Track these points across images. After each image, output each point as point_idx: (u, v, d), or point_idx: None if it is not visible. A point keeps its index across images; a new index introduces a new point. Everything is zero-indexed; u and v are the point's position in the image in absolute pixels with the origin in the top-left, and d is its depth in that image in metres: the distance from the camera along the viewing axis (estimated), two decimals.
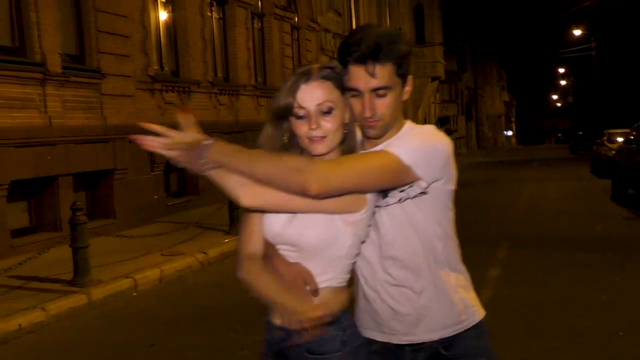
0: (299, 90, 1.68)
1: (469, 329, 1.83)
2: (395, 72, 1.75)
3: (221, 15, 14.28)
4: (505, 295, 5.76)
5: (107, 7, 9.65)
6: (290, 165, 1.61)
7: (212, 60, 13.55)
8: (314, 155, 1.71)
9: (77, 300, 5.84)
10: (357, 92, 1.73)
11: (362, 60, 1.70)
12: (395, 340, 1.84)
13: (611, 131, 20.57)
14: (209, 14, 13.52)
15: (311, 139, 1.70)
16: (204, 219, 9.53)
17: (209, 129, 10.88)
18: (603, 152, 18.77)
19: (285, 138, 1.75)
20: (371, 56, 1.70)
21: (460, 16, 40.90)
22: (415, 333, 1.82)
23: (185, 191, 12.60)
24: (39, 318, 5.38)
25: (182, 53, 12.42)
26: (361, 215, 1.71)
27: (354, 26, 22.34)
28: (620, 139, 17.27)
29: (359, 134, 1.85)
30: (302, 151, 1.77)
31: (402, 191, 1.76)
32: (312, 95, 1.68)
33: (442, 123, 34.56)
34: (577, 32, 45.34)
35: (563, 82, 75.36)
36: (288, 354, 1.76)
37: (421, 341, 1.83)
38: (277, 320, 1.77)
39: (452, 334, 1.82)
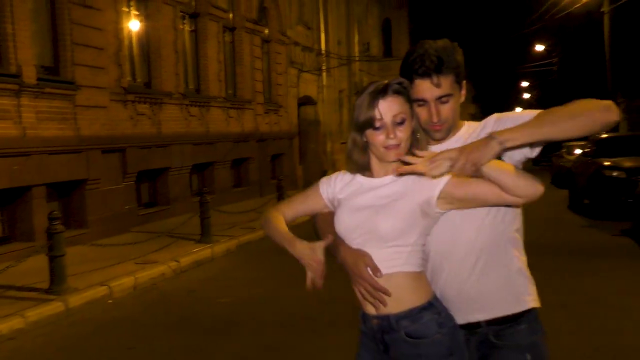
0: (378, 104, 1.91)
1: (522, 322, 2.01)
2: (454, 80, 1.98)
3: (193, 28, 14.53)
4: None
5: (82, 19, 9.83)
6: (594, 106, 1.82)
7: (183, 72, 13.77)
8: (388, 161, 1.94)
9: (54, 307, 6.01)
10: (423, 102, 1.96)
11: (427, 74, 1.93)
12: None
13: (569, 143, 21.35)
14: (181, 26, 13.76)
15: (387, 147, 1.91)
16: (176, 228, 9.72)
17: (180, 139, 11.25)
18: (562, 163, 19.49)
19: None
20: (435, 70, 1.93)
21: (427, 30, 41.77)
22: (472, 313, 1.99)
23: (156, 201, 12.75)
24: (18, 325, 5.54)
25: (155, 65, 12.61)
26: (441, 211, 1.93)
27: (322, 40, 22.76)
28: (578, 151, 18.00)
29: None
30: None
31: None
32: (389, 108, 1.90)
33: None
34: (540, 48, 46.64)
35: (527, 95, 77.19)
36: (388, 341, 1.93)
37: (476, 320, 1.99)
38: (372, 311, 1.95)
39: (505, 314, 1.99)
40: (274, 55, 18.98)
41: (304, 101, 21.88)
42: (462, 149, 1.77)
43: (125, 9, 11.73)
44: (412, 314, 1.90)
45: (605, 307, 5.83)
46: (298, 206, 2.15)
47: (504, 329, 2.02)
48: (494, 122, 2.02)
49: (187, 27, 14.27)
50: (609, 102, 1.84)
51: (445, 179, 1.85)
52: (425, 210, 1.89)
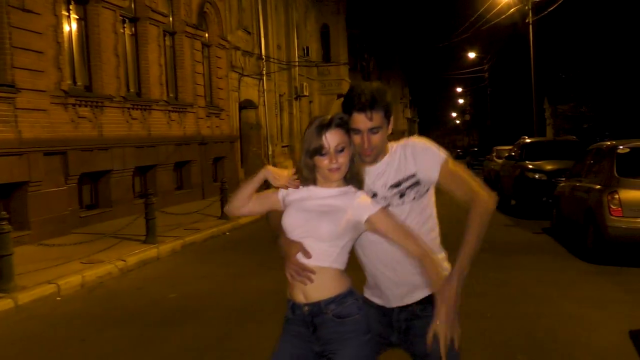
0: (324, 136, 2.37)
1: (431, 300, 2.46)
2: (384, 115, 2.44)
3: (133, 32, 14.61)
4: None
5: (21, 23, 9.85)
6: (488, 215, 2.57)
7: (124, 75, 13.85)
8: (330, 181, 2.43)
9: (4, 304, 6.16)
10: (358, 131, 2.42)
11: (363, 109, 2.39)
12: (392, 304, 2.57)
13: (499, 148, 22.50)
14: (121, 30, 13.83)
15: (331, 170, 2.38)
16: (120, 229, 9.87)
17: (121, 143, 11.44)
18: (491, 166, 20.53)
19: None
20: (369, 106, 2.39)
21: (365, 35, 42.73)
22: (404, 299, 2.53)
23: (98, 203, 12.79)
24: None
25: (96, 69, 12.66)
26: (368, 230, 2.43)
27: (262, 44, 23.11)
28: (506, 155, 19.02)
29: None
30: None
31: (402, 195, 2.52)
32: (332, 139, 2.36)
33: None
34: (472, 55, 48.47)
35: (461, 101, 79.82)
36: (317, 322, 2.37)
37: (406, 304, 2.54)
38: (302, 299, 2.39)
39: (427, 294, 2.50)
40: (214, 60, 19.20)
41: (245, 105, 22.16)
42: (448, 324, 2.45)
43: (64, 12, 11.77)
44: (338, 299, 2.37)
45: (525, 295, 6.46)
46: (262, 200, 2.58)
47: (426, 306, 2.54)
48: (411, 150, 2.54)
49: (127, 31, 14.35)
50: (492, 204, 2.56)
51: (374, 209, 2.37)
52: (355, 226, 2.40)
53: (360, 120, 2.40)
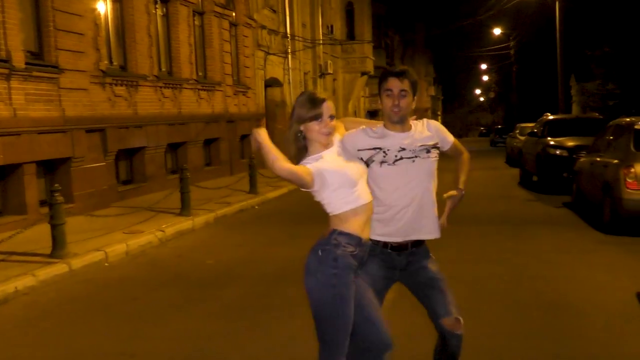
0: (323, 105, 2.87)
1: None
2: (411, 86, 3.03)
3: (165, 13, 15.08)
4: None
5: (64, 6, 10.37)
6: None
7: (157, 55, 14.35)
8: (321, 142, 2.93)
9: (60, 268, 6.75)
10: (390, 92, 3.00)
11: (396, 74, 3.02)
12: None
13: (522, 125, 22.64)
14: (153, 11, 14.31)
15: (325, 134, 2.89)
16: (155, 203, 10.44)
17: (154, 121, 12.02)
18: (515, 144, 20.72)
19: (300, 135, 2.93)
20: (402, 73, 3.04)
21: (389, 13, 42.63)
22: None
23: (133, 179, 13.41)
24: (30, 282, 6.27)
25: (130, 49, 13.18)
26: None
27: (287, 23, 23.42)
28: (529, 132, 19.18)
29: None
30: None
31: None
32: (328, 109, 2.87)
33: (371, 116, 36.20)
34: (498, 32, 48.07)
35: (485, 78, 79.12)
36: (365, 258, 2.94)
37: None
38: (367, 236, 2.96)
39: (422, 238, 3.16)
40: (241, 39, 19.60)
41: (271, 83, 22.57)
42: None
43: None
44: None
45: (540, 261, 6.86)
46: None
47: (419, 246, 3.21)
48: (433, 126, 3.24)
49: (159, 12, 14.81)
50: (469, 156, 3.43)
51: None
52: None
53: (394, 83, 3.01)
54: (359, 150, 3.02)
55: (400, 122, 3.06)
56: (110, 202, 11.51)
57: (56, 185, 7.28)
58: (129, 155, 13.30)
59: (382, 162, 3.02)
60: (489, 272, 6.40)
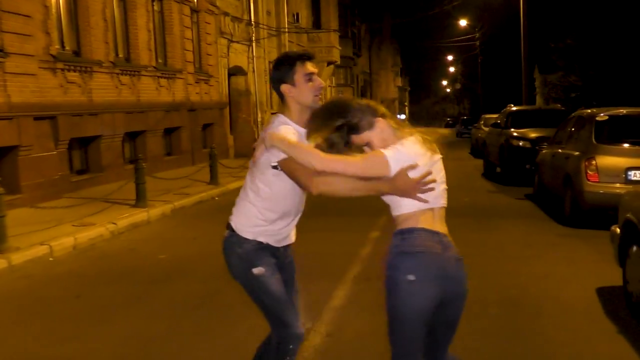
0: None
1: None
2: None
3: None
4: (382, 251, 6.90)
5: None
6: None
7: (113, 41, 13.83)
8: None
9: None
10: (312, 75, 2.77)
11: (312, 58, 2.86)
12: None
13: (486, 116, 22.72)
14: None
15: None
16: (110, 194, 10.03)
17: (111, 108, 11.52)
18: (479, 134, 20.75)
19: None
20: (313, 56, 2.85)
21: (355, 2, 42.40)
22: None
23: (88, 168, 12.92)
24: None
25: (84, 33, 12.65)
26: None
27: (252, 10, 22.98)
28: (492, 123, 19.21)
29: None
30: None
31: None
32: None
33: None
34: (463, 23, 48.30)
35: (452, 69, 79.64)
36: None
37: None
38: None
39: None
40: (203, 25, 19.11)
41: (235, 71, 22.12)
42: None
43: None
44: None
45: (502, 255, 6.73)
46: None
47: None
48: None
49: None
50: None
51: None
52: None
53: (313, 66, 2.79)
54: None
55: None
56: (63, 192, 11.04)
57: None
58: (83, 144, 12.80)
59: None
60: None
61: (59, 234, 7.69)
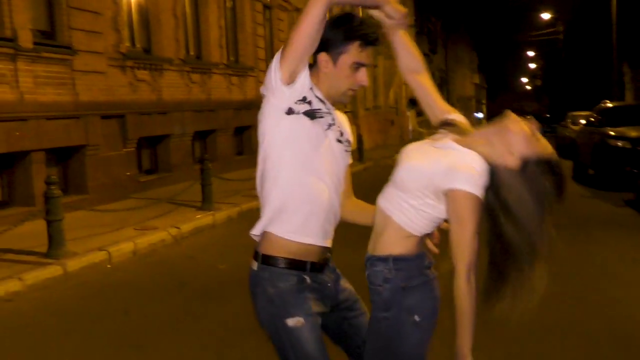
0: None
1: None
2: None
3: None
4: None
5: None
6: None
7: (184, 38, 13.58)
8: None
9: (52, 271, 6.00)
10: (363, 65, 2.07)
11: (376, 43, 2.09)
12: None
13: (574, 113, 21.17)
14: None
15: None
16: (176, 195, 9.67)
17: (181, 107, 11.08)
18: (566, 133, 19.33)
19: None
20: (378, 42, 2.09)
21: None
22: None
23: (157, 168, 12.70)
24: (16, 287, 5.54)
25: (154, 30, 12.43)
26: None
27: None
28: (582, 121, 17.83)
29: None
30: None
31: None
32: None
33: (413, 104, 34.92)
34: (546, 16, 46.00)
35: (532, 65, 76.50)
36: None
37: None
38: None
39: None
40: (276, 22, 18.71)
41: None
42: None
43: None
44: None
45: (606, 275, 5.80)
46: None
47: None
48: None
49: None
50: None
51: None
52: None
53: (371, 55, 2.09)
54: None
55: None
56: (130, 193, 10.80)
57: (52, 177, 6.54)
58: (152, 143, 12.59)
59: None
60: (547, 289, 5.35)
61: (120, 238, 7.33)
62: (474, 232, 1.91)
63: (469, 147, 1.99)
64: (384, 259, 2.03)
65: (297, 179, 2.04)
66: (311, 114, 2.02)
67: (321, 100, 2.06)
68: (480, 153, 1.96)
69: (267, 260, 2.08)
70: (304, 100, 2.02)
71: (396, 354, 2.03)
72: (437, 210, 1.99)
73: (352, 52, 2.03)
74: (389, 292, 2.01)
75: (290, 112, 2.01)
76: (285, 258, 2.06)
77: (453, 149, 2.00)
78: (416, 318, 2.01)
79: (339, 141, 2.12)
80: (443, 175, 1.93)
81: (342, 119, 2.19)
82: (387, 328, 2.02)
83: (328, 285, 2.15)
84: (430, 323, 2.07)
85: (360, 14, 2.23)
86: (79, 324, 4.83)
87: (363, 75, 2.06)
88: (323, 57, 2.05)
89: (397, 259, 2.02)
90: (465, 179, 1.89)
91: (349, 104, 26.87)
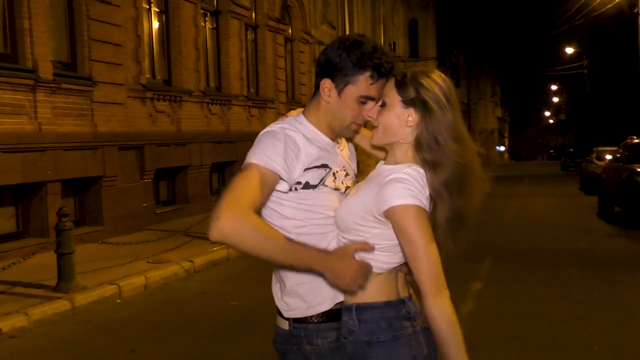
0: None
1: None
2: None
3: (215, 26, 14.40)
4: (486, 308, 5.85)
5: (100, 15, 9.73)
6: None
7: (204, 70, 13.64)
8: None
9: (60, 305, 5.87)
10: (371, 99, 1.84)
11: (388, 75, 1.85)
12: None
13: (599, 149, 20.77)
14: (202, 24, 13.63)
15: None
16: (192, 227, 9.55)
17: (199, 138, 11.05)
18: (591, 169, 18.93)
19: None
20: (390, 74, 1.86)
21: (455, 31, 41.24)
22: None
23: (174, 199, 12.63)
24: (21, 323, 5.40)
25: (175, 62, 12.50)
26: None
27: None
28: (608, 157, 17.45)
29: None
30: None
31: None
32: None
33: None
34: (570, 50, 45.76)
35: (555, 99, 75.94)
36: None
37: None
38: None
39: None
40: (297, 55, 18.80)
41: None
42: None
43: (145, 5, 11.63)
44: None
45: (633, 320, 5.48)
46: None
47: None
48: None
49: (208, 25, 14.15)
50: None
51: None
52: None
53: (381, 88, 1.83)
54: None
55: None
56: (146, 224, 10.73)
57: (64, 209, 6.44)
58: (170, 174, 12.55)
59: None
60: (575, 335, 5.07)
61: (132, 272, 7.19)
62: (426, 244, 1.66)
63: (398, 162, 1.79)
64: (348, 308, 1.78)
65: None
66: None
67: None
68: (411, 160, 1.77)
69: None
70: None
71: None
72: (388, 237, 1.74)
73: (361, 84, 1.82)
74: (352, 346, 1.76)
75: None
76: None
77: (383, 171, 1.79)
78: None
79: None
80: (377, 200, 1.71)
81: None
82: None
83: None
84: None
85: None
86: None
87: (370, 111, 1.85)
88: (326, 84, 1.85)
89: (359, 308, 1.77)
90: (397, 194, 1.67)
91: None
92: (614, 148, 16.13)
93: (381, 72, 1.83)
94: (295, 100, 18.63)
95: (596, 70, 42.28)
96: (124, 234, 9.50)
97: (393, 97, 1.78)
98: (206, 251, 8.62)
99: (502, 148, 77.62)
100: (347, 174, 1.91)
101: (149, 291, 6.93)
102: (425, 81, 1.76)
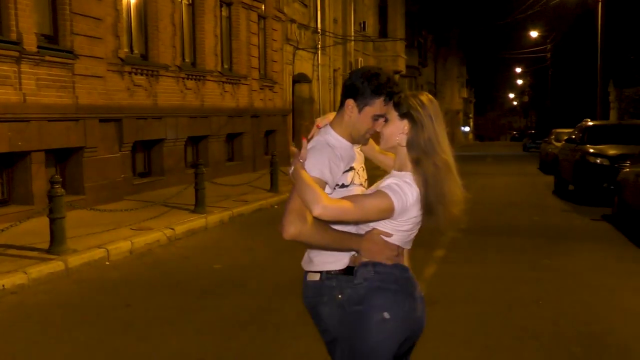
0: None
1: None
2: None
3: (190, 2, 14.62)
4: (447, 271, 6.49)
5: None
6: None
7: (180, 45, 13.90)
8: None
9: (55, 266, 6.28)
10: (382, 117, 2.39)
11: (393, 98, 2.39)
12: None
13: (558, 130, 21.71)
14: (179, 0, 13.86)
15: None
16: (170, 198, 9.96)
17: (175, 112, 11.39)
18: (549, 150, 19.82)
19: None
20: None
21: (423, 12, 41.76)
22: None
23: (150, 171, 12.98)
24: (20, 280, 5.81)
25: (152, 37, 12.75)
26: None
27: (319, 18, 22.85)
28: (566, 138, 18.30)
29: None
30: None
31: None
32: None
33: None
34: (534, 34, 46.80)
35: (520, 82, 77.49)
36: None
37: None
38: None
39: None
40: (270, 32, 19.09)
41: (299, 79, 22.04)
42: None
43: None
44: None
45: (579, 283, 6.16)
46: None
47: None
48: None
49: (184, 0, 14.37)
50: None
51: None
52: None
53: (389, 110, 2.39)
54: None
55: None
56: (124, 195, 11.09)
57: (56, 176, 6.81)
58: (146, 147, 12.88)
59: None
60: (523, 293, 5.74)
61: (117, 238, 7.61)
62: (354, 211, 2.20)
63: (402, 167, 2.38)
64: (365, 264, 2.34)
65: None
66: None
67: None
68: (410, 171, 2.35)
69: None
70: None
71: (360, 349, 2.28)
72: (392, 228, 2.33)
73: (377, 106, 2.37)
74: (364, 289, 2.30)
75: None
76: None
77: (390, 177, 2.38)
78: (385, 315, 2.26)
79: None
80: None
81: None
82: (355, 321, 2.31)
83: None
84: (398, 326, 2.27)
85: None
86: (84, 316, 5.12)
87: (380, 126, 2.42)
88: (350, 103, 2.38)
89: (375, 264, 2.35)
90: (388, 185, 2.27)
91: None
92: (571, 130, 16.96)
93: (392, 98, 2.42)
94: (268, 77, 18.98)
95: (559, 54, 43.47)
96: (103, 204, 9.85)
97: (392, 113, 2.36)
98: (185, 220, 9.06)
99: (467, 129, 78.95)
100: (363, 169, 2.55)
101: (134, 255, 7.36)
102: (412, 102, 2.33)
